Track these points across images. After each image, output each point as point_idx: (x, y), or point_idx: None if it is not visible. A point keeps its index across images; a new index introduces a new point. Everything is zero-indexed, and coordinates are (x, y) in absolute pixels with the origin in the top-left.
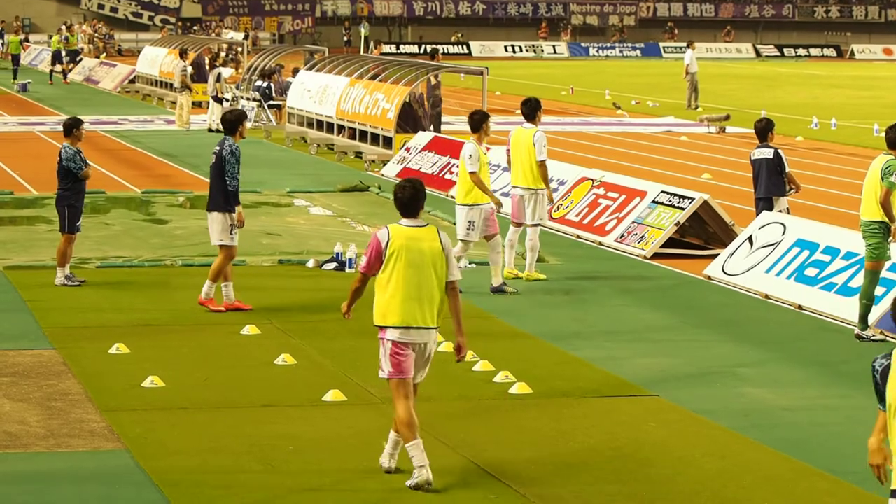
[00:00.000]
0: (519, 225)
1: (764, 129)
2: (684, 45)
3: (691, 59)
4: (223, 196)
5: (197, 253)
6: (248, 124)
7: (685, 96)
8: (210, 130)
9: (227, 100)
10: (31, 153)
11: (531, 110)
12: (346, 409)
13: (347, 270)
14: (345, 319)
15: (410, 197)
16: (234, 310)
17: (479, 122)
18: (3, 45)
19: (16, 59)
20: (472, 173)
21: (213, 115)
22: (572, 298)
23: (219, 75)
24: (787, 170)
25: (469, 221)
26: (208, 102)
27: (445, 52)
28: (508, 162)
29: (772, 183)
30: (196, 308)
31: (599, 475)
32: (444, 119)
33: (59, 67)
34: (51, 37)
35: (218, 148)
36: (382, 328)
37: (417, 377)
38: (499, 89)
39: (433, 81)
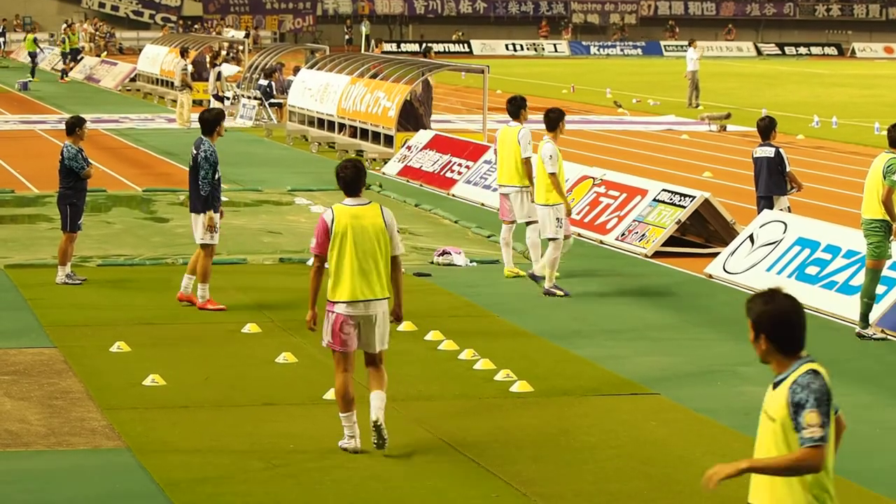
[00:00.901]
0: (511, 223)
1: (767, 128)
2: (685, 43)
3: (696, 56)
4: (204, 197)
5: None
6: (250, 123)
7: (686, 95)
8: None
9: (228, 98)
10: (33, 152)
11: (516, 108)
12: None
13: None
14: (312, 329)
15: (353, 176)
16: (187, 301)
17: (555, 120)
18: (3, 42)
19: (33, 55)
20: (551, 174)
21: None
22: (573, 297)
23: (219, 74)
24: (788, 169)
25: (557, 219)
26: (209, 101)
27: (447, 50)
28: (495, 161)
29: (772, 182)
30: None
31: (600, 474)
32: (446, 117)
33: (60, 66)
34: (52, 35)
35: (195, 151)
36: (331, 302)
37: (376, 346)
38: (500, 88)
39: (432, 83)
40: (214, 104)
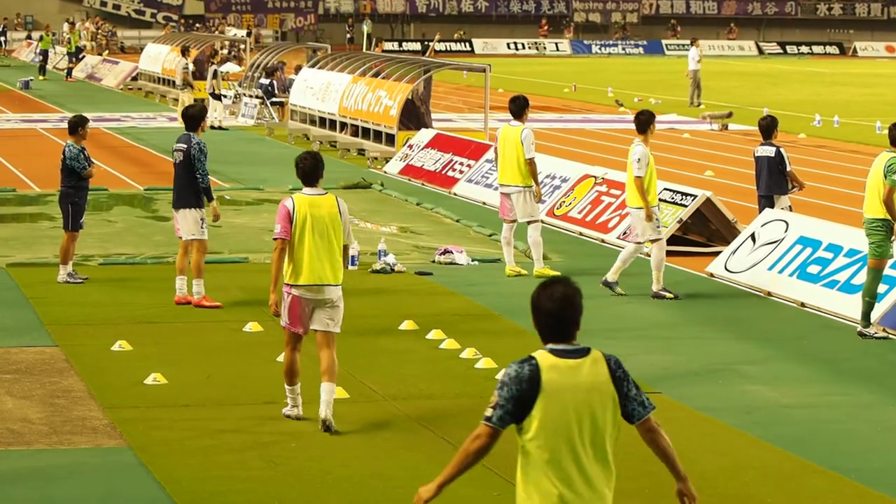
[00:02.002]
0: (512, 222)
1: (768, 127)
2: (687, 42)
3: (698, 56)
4: (194, 193)
5: None
6: (252, 122)
7: (687, 94)
8: (211, 128)
9: (226, 96)
10: (34, 150)
11: (519, 108)
12: (349, 406)
13: (350, 268)
14: (276, 315)
15: (311, 167)
16: (185, 303)
17: (645, 122)
18: (5, 41)
19: (45, 53)
20: (637, 178)
21: (214, 113)
22: None
23: (215, 72)
24: (789, 168)
25: (656, 219)
26: (208, 99)
27: (447, 49)
28: (496, 160)
29: (773, 181)
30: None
31: None
32: (447, 116)
33: (62, 64)
34: (53, 34)
35: (184, 146)
36: (288, 285)
37: (331, 327)
38: (501, 87)
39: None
40: (213, 103)
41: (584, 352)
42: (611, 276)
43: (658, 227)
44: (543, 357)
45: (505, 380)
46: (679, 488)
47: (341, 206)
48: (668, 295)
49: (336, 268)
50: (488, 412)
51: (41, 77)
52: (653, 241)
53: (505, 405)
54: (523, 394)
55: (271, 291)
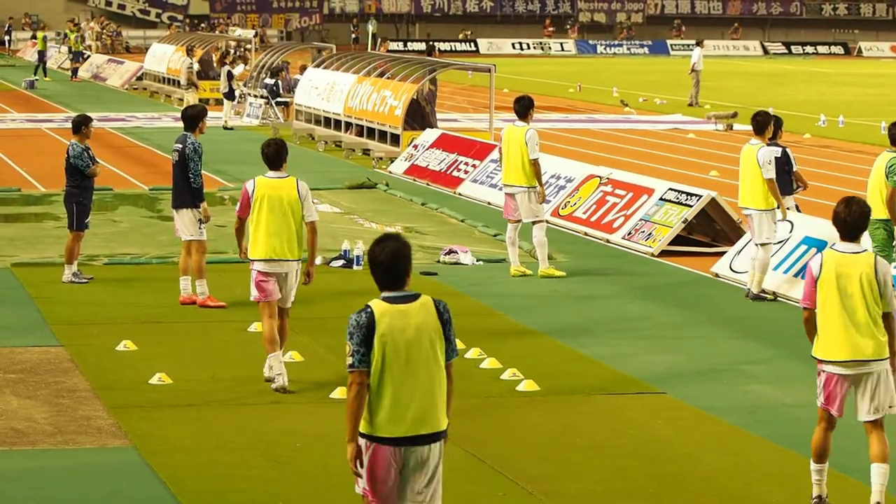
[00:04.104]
0: (517, 222)
1: (767, 125)
2: (692, 42)
3: (698, 58)
4: (190, 193)
5: None
6: (257, 122)
7: (689, 94)
8: (225, 128)
9: (241, 94)
10: (39, 150)
11: (523, 108)
12: None
13: (355, 268)
14: (245, 260)
15: (275, 153)
16: (190, 303)
17: (763, 123)
18: (9, 41)
19: (42, 55)
20: (769, 180)
21: (221, 113)
22: (580, 296)
23: (229, 73)
24: (795, 168)
25: (777, 222)
26: (218, 100)
27: (453, 49)
28: (500, 160)
29: (778, 181)
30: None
31: (606, 472)
32: (452, 116)
33: (67, 65)
34: (58, 34)
35: (180, 146)
36: (251, 260)
37: (287, 302)
38: (506, 86)
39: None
40: (226, 103)
41: (413, 297)
42: (755, 288)
43: (775, 230)
44: (377, 305)
45: (350, 330)
46: None
47: (301, 187)
48: (768, 297)
49: (293, 244)
50: (349, 360)
51: (39, 77)
52: (763, 244)
53: (359, 349)
54: (366, 337)
55: (239, 247)
